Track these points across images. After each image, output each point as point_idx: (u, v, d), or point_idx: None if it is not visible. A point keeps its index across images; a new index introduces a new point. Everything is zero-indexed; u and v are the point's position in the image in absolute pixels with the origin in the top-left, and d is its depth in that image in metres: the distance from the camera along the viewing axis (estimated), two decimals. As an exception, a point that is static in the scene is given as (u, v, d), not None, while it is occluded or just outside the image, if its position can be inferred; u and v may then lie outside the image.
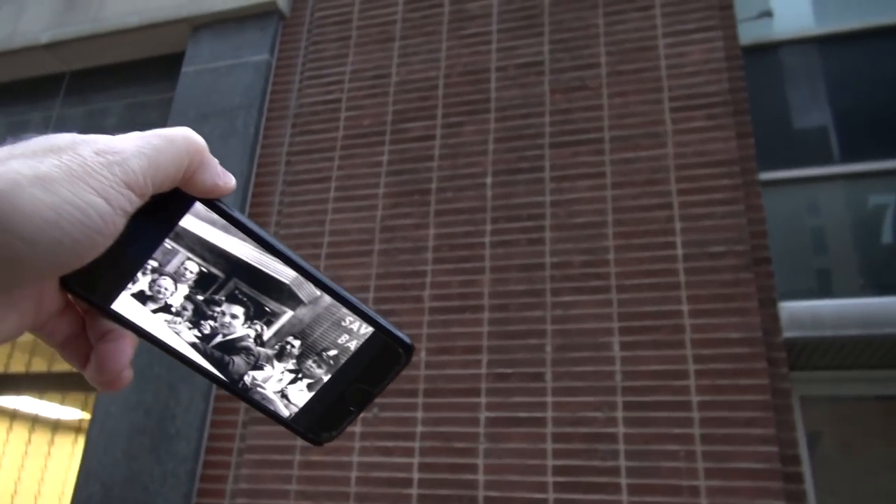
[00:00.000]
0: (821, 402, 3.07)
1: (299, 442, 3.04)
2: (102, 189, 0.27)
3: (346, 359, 0.35)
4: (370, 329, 0.35)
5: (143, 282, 0.32)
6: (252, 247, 0.33)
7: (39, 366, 4.28)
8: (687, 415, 2.59)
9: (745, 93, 3.10)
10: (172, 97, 4.14)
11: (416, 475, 2.77)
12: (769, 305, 2.70)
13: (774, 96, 3.40)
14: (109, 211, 0.27)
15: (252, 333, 0.34)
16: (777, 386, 2.56)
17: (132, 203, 0.28)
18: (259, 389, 0.35)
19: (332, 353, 0.35)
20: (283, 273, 0.34)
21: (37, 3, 4.81)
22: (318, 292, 0.34)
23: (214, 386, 3.43)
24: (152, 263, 0.32)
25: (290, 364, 0.35)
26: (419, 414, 2.87)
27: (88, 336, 0.33)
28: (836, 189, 3.18)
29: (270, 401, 0.35)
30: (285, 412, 0.35)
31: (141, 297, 0.32)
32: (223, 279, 0.33)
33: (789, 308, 2.74)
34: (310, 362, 0.35)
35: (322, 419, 0.35)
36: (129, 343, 0.33)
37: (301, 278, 0.34)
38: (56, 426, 4.86)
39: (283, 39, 4.13)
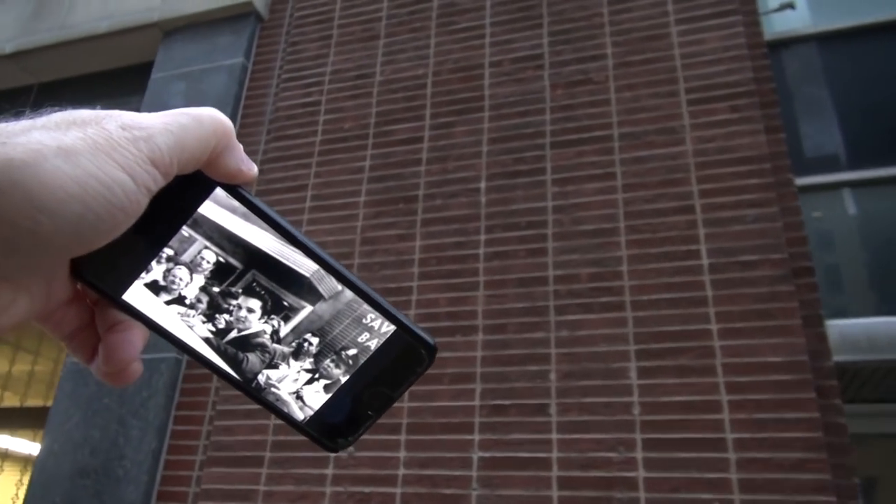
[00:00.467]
0: (873, 440, 2.64)
1: (262, 487, 2.65)
2: (128, 165, 0.26)
3: (365, 359, 0.34)
4: (392, 327, 0.34)
5: (157, 271, 0.32)
6: (272, 237, 0.32)
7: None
8: (721, 455, 2.18)
9: (772, 83, 2.75)
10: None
11: (396, 529, 2.42)
12: (815, 324, 2.29)
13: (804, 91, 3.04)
14: (134, 188, 0.26)
15: (268, 329, 0.34)
16: (830, 421, 2.14)
17: (156, 182, 0.28)
18: (273, 390, 0.34)
19: (352, 352, 0.34)
20: (304, 265, 0.33)
21: (1, 11, 4.60)
22: (340, 287, 0.34)
23: (171, 419, 3.10)
24: (168, 252, 0.32)
25: (307, 363, 0.34)
26: (401, 454, 2.57)
27: (97, 326, 0.32)
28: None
29: (284, 402, 0.34)
30: (300, 415, 0.35)
31: (154, 287, 0.32)
32: (241, 270, 0.33)
33: (838, 326, 2.32)
34: (328, 362, 0.34)
35: (338, 424, 0.35)
36: (138, 334, 0.32)
37: (322, 271, 0.33)
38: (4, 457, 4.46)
39: (260, 42, 3.90)
